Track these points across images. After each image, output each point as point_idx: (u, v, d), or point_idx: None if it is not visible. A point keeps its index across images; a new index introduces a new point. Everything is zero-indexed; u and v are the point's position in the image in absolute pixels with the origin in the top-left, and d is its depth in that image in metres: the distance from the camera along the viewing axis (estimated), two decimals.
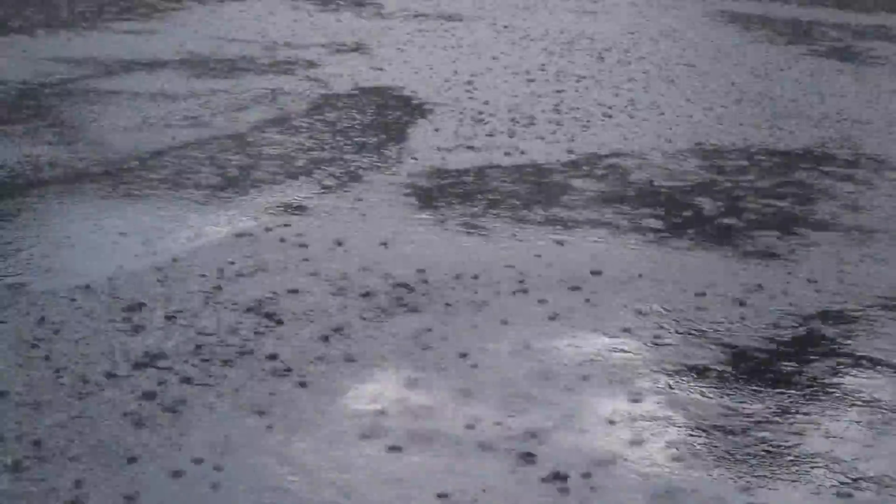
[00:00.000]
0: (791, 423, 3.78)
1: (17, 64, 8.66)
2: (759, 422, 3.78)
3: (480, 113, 7.75)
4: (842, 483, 3.44)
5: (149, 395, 3.77)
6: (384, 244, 5.26)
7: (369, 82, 8.61)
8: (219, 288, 4.68)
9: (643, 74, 9.23)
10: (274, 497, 3.24)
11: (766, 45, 10.85)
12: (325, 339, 4.25)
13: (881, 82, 9.33)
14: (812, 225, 5.82)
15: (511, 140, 7.11)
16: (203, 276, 4.81)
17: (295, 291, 4.67)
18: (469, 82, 8.69)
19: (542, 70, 9.24)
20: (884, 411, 3.89)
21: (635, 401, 3.89)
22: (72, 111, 7.41)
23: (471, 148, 6.90)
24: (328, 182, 6.20)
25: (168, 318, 4.37)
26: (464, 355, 4.17)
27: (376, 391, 3.90)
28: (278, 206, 5.75)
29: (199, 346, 4.15)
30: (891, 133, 7.69)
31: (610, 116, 7.80)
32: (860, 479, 3.47)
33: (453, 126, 7.39)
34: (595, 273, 5.01)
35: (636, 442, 3.63)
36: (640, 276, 5.01)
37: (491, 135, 7.21)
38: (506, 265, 5.05)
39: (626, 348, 4.30)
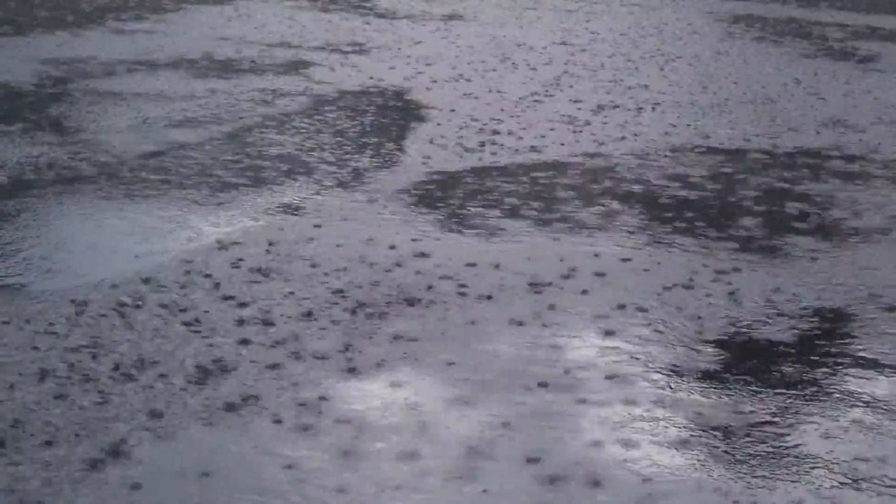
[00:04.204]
0: (791, 423, 3.78)
1: (17, 64, 8.66)
2: (759, 422, 3.78)
3: (480, 113, 7.75)
4: (842, 483, 3.44)
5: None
6: (383, 243, 5.26)
7: (369, 83, 8.61)
8: (220, 287, 4.68)
9: (643, 75, 9.23)
10: None
11: (767, 45, 10.85)
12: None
13: (882, 83, 9.32)
14: (812, 225, 5.82)
15: (512, 141, 7.11)
16: (207, 276, 4.81)
17: (292, 293, 4.68)
18: (471, 83, 8.69)
19: (544, 70, 9.24)
20: (884, 411, 3.89)
21: (635, 401, 3.89)
22: (72, 111, 7.40)
23: (471, 148, 6.90)
24: (328, 182, 6.20)
25: (177, 319, 4.38)
26: (456, 358, 4.18)
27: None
28: (278, 207, 5.75)
29: (210, 345, 4.16)
30: (892, 134, 7.68)
31: (610, 118, 7.80)
32: (860, 479, 3.47)
33: (454, 126, 7.39)
34: (592, 273, 5.01)
35: (637, 442, 3.63)
36: (641, 276, 5.01)
37: (491, 135, 7.21)
38: (501, 265, 5.05)
39: (626, 348, 4.30)
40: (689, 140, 7.31)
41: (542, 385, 3.98)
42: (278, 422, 3.66)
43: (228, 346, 4.18)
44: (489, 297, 4.71)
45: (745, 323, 4.56)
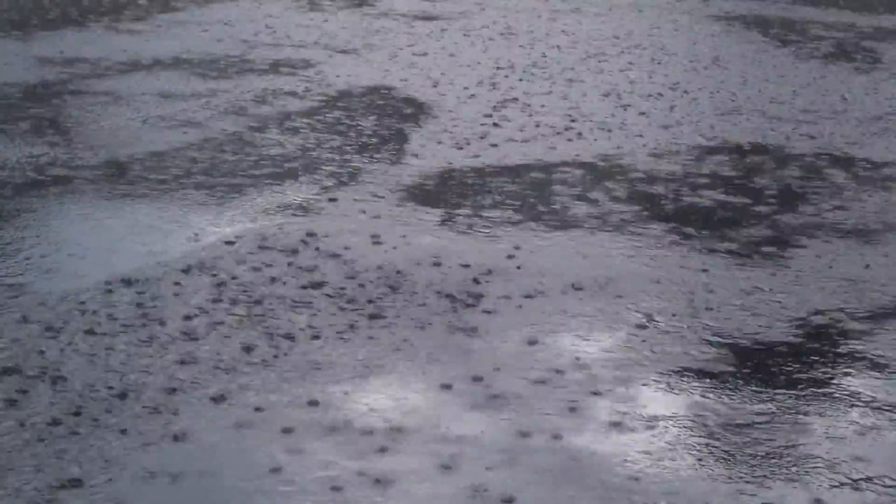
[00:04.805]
0: (791, 423, 3.78)
1: (16, 64, 8.66)
2: (760, 422, 3.78)
3: (482, 113, 7.75)
4: (842, 483, 3.44)
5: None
6: (384, 243, 5.26)
7: (369, 82, 8.60)
8: (222, 286, 4.68)
9: (642, 75, 9.23)
10: None
11: (768, 46, 10.84)
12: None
13: (882, 83, 9.32)
14: (812, 226, 5.82)
15: (511, 141, 7.11)
16: (211, 275, 4.81)
17: (292, 292, 4.68)
18: (470, 83, 8.69)
19: (544, 70, 9.23)
20: (884, 411, 3.89)
21: (635, 401, 3.90)
22: (72, 111, 7.40)
23: (470, 148, 6.90)
24: (328, 182, 6.20)
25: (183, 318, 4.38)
26: (453, 352, 4.18)
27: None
28: (278, 207, 5.76)
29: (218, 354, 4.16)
30: (891, 134, 7.68)
31: (613, 118, 7.79)
32: (860, 479, 3.47)
33: (453, 126, 7.39)
34: (595, 273, 5.01)
35: (636, 442, 3.63)
36: (641, 276, 5.01)
37: (492, 135, 7.21)
38: (502, 265, 5.05)
39: (626, 348, 4.30)
40: (693, 141, 7.31)
41: (541, 382, 3.98)
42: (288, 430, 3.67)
43: (232, 343, 4.18)
44: (491, 295, 4.71)
45: (745, 322, 4.56)
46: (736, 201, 6.14)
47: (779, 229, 5.72)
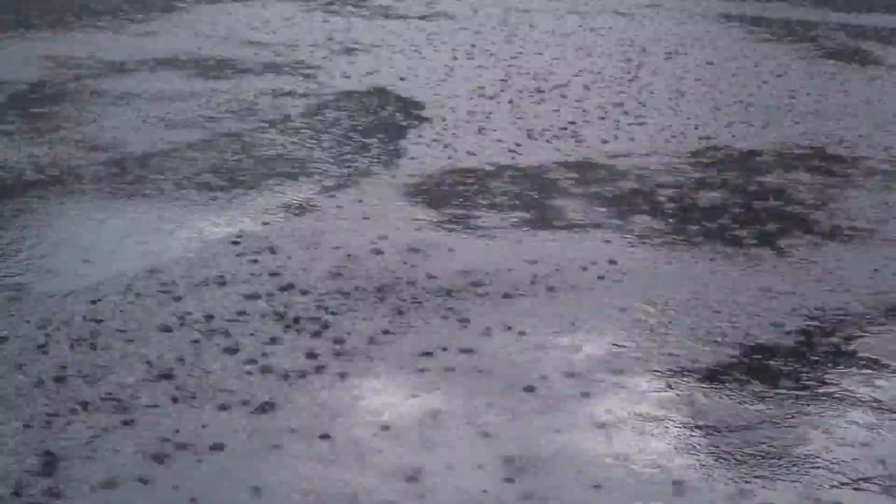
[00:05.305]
0: (791, 423, 3.78)
1: (17, 64, 8.66)
2: (760, 422, 3.78)
3: (481, 113, 7.75)
4: (842, 483, 3.44)
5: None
6: (383, 244, 5.26)
7: (369, 82, 8.61)
8: (224, 286, 4.68)
9: (643, 75, 9.23)
10: None
11: (767, 46, 10.85)
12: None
13: (881, 83, 9.33)
14: (812, 226, 5.82)
15: (512, 141, 7.11)
16: (213, 275, 4.81)
17: (294, 292, 4.69)
18: (469, 83, 8.69)
19: (545, 71, 9.23)
20: (884, 411, 3.89)
21: (635, 400, 3.90)
22: (72, 111, 7.41)
23: (470, 149, 6.90)
24: (328, 182, 6.20)
25: (177, 318, 4.39)
26: (455, 351, 4.18)
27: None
28: (278, 207, 5.76)
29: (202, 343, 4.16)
30: (891, 134, 7.68)
31: (613, 118, 7.80)
32: (860, 479, 3.47)
33: (453, 127, 7.39)
34: (593, 273, 5.01)
35: (636, 442, 3.63)
36: (641, 276, 5.01)
37: (491, 136, 7.21)
38: (502, 266, 5.05)
39: (625, 348, 4.30)
40: (691, 141, 7.31)
41: (543, 379, 3.99)
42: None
43: (234, 344, 4.19)
44: (491, 296, 4.72)
45: (745, 322, 4.56)
46: (736, 201, 6.14)
47: (780, 229, 5.72)
